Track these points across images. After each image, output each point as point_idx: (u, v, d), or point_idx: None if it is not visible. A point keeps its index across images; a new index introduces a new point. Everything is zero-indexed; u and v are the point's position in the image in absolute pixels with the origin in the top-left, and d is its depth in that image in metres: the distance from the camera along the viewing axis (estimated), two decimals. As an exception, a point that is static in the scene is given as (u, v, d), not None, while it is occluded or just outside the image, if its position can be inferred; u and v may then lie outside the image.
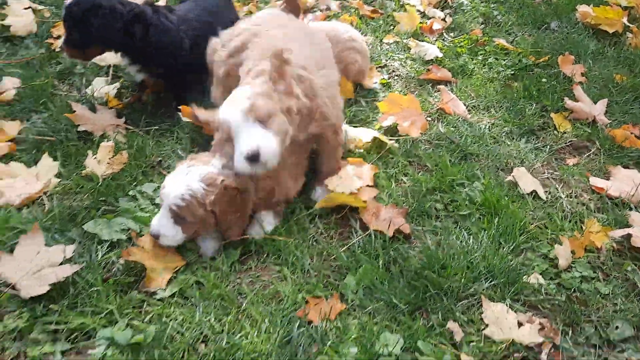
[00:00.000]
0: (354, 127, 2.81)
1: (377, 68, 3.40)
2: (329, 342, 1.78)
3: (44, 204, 2.22)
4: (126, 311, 1.86)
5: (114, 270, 1.99)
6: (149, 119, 2.75)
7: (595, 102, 3.07)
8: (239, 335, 1.80)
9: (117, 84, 2.97)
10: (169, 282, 1.98)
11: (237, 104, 1.96)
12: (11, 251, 1.99)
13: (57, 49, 3.18)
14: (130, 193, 2.30)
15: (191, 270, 2.03)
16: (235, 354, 1.73)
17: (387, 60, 3.50)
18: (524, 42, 3.71)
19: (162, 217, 2.01)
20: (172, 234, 2.01)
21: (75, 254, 2.00)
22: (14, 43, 3.30)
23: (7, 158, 2.44)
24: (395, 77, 3.37)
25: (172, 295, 1.93)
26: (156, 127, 2.71)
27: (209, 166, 2.04)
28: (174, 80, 2.81)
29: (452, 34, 3.85)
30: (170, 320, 1.83)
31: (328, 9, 4.07)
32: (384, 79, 3.30)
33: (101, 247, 2.06)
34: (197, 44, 2.69)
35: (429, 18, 3.99)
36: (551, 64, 3.45)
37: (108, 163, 2.40)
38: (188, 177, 1.98)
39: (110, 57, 2.96)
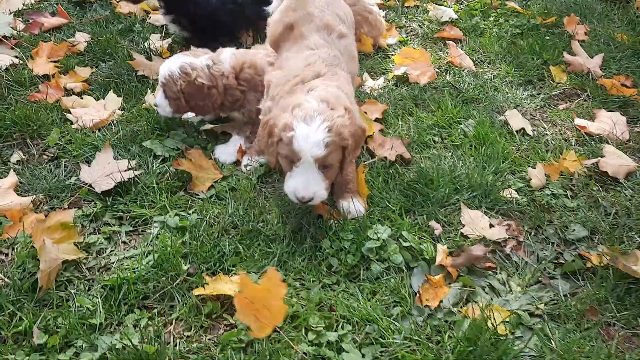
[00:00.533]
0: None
1: (396, 28, 3.79)
2: (331, 232, 2.24)
3: (112, 128, 2.76)
4: (175, 206, 2.37)
5: (166, 176, 2.50)
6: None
7: (592, 57, 3.37)
8: (261, 224, 2.28)
9: (169, 40, 3.49)
10: (209, 188, 2.48)
11: (313, 140, 2.00)
12: (88, 162, 2.54)
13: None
14: (179, 121, 2.81)
15: (227, 181, 2.52)
16: (259, 236, 2.22)
17: (406, 22, 3.89)
18: (535, 5, 4.01)
19: (158, 91, 2.61)
20: (163, 105, 2.61)
21: (136, 165, 2.52)
22: (83, 7, 3.87)
23: (80, 94, 3.00)
24: (413, 36, 3.76)
25: (211, 197, 2.43)
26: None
27: (196, 59, 2.57)
28: (200, 36, 3.22)
29: (468, -1, 4.19)
30: (209, 213, 2.33)
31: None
32: (402, 37, 3.70)
33: (156, 160, 2.58)
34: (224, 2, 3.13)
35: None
36: (557, 24, 3.75)
37: (162, 99, 2.91)
38: (174, 62, 2.54)
39: (162, 19, 3.48)
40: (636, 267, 2.04)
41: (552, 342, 1.85)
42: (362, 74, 3.26)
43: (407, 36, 3.75)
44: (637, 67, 3.38)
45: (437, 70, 3.35)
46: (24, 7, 3.73)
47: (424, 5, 4.06)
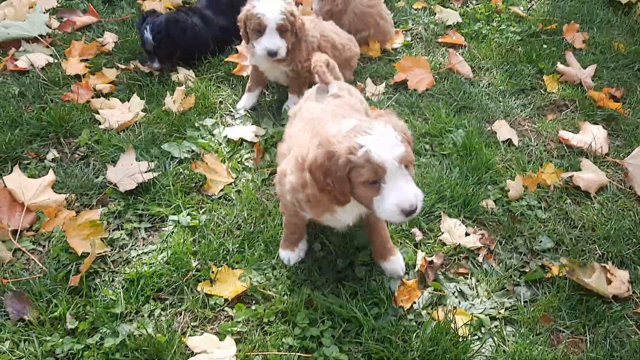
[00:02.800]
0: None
1: (402, 31, 3.99)
2: (324, 236, 2.54)
3: (135, 130, 3.08)
4: (188, 206, 2.70)
5: (181, 177, 2.82)
6: (212, 70, 3.54)
7: (585, 67, 3.55)
8: (263, 224, 2.59)
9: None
10: (220, 191, 2.80)
11: (391, 146, 1.80)
12: (113, 162, 2.87)
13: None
14: (195, 125, 3.11)
15: (235, 183, 2.84)
16: (259, 237, 2.53)
17: (413, 24, 4.08)
18: (539, 10, 4.15)
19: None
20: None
21: (155, 166, 2.85)
22: (113, 4, 4.15)
23: (108, 96, 3.32)
24: (417, 39, 3.96)
25: (220, 198, 2.75)
26: (216, 75, 3.50)
27: None
28: None
29: (475, 1, 4.34)
30: (217, 213, 2.65)
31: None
32: (406, 40, 3.90)
33: (173, 162, 2.90)
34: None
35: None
36: (557, 31, 3.91)
37: (180, 102, 3.21)
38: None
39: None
40: (589, 280, 2.31)
41: (506, 344, 2.15)
42: (364, 79, 3.50)
43: (412, 40, 3.95)
44: (630, 78, 3.54)
45: (436, 76, 3.56)
46: (58, 5, 4.01)
47: (431, 7, 4.24)
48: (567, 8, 4.17)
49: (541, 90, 3.47)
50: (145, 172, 2.78)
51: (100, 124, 3.10)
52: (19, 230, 2.48)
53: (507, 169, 2.93)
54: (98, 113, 3.14)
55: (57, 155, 2.93)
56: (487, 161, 2.90)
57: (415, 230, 2.58)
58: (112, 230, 2.57)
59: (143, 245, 2.53)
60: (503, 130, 3.12)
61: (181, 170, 2.85)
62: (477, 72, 3.64)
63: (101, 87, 3.30)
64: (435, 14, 4.15)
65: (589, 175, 2.82)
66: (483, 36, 3.93)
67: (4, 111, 3.08)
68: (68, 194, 2.68)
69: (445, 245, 2.53)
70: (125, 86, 3.37)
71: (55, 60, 3.50)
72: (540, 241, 2.55)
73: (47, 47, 3.60)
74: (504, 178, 2.86)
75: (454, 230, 2.59)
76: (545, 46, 3.77)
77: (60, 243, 2.44)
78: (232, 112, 3.27)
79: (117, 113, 3.14)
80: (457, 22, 4.04)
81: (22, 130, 2.99)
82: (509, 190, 2.77)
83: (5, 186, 2.58)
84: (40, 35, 3.63)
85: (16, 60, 3.44)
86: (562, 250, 2.53)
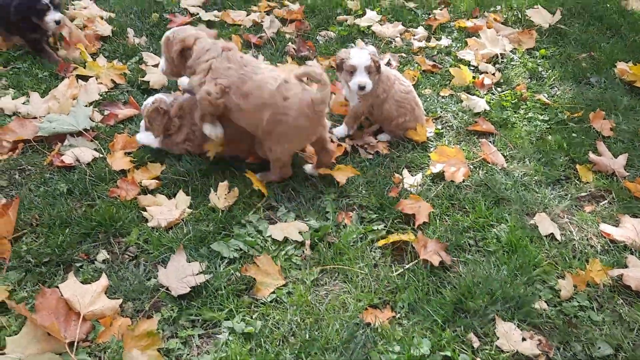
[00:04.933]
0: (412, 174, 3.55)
1: (432, 120, 4.10)
2: (380, 342, 2.53)
3: (183, 228, 3.11)
4: (240, 310, 2.70)
5: (232, 279, 2.83)
6: (254, 166, 3.61)
7: (617, 156, 3.64)
8: (317, 332, 2.59)
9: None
10: (270, 293, 2.81)
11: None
12: (163, 263, 2.89)
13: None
14: (242, 221, 3.15)
15: (285, 284, 2.85)
16: (315, 345, 2.52)
17: (441, 112, 4.21)
18: (563, 97, 4.29)
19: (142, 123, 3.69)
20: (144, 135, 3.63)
21: (206, 268, 2.86)
22: (151, 94, 4.27)
23: (154, 192, 3.37)
24: (447, 128, 4.08)
25: (271, 301, 2.75)
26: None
27: (168, 97, 3.62)
28: None
29: (500, 89, 4.49)
30: (270, 318, 2.65)
31: (389, 63, 4.81)
32: (437, 128, 4.01)
33: (222, 262, 2.92)
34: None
35: (481, 73, 4.64)
36: (584, 119, 4.03)
37: (225, 197, 3.27)
38: (150, 99, 3.58)
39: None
40: (655, 391, 2.29)
41: None
42: (401, 170, 3.57)
43: (443, 128, 4.07)
44: (661, 167, 3.63)
45: (471, 166, 3.64)
46: (100, 98, 4.13)
47: (458, 94, 4.38)
48: (590, 95, 4.31)
49: (576, 180, 3.54)
50: (197, 274, 2.79)
51: (148, 221, 3.14)
52: (75, 342, 2.47)
53: (553, 265, 2.95)
54: (145, 210, 3.18)
55: (108, 256, 2.95)
56: (533, 258, 2.93)
57: (471, 335, 2.58)
58: (167, 339, 2.56)
59: (198, 354, 2.51)
60: (545, 224, 3.17)
61: (232, 271, 2.86)
62: (510, 161, 3.73)
63: (147, 183, 3.35)
64: (462, 101, 4.28)
65: (638, 274, 2.84)
66: (512, 124, 4.04)
67: (53, 210, 3.12)
68: (122, 300, 2.69)
69: (503, 352, 2.52)
70: (171, 182, 3.43)
71: (100, 155, 3.57)
72: (599, 347, 2.55)
73: (92, 140, 3.68)
74: (552, 276, 2.88)
75: (510, 335, 2.58)
76: (574, 134, 3.88)
77: (118, 355, 2.42)
78: (274, 205, 3.32)
79: (164, 210, 3.19)
80: (485, 110, 4.16)
81: (72, 230, 3.02)
82: (560, 290, 2.79)
83: (62, 295, 2.59)
84: (85, 129, 3.72)
85: (62, 155, 3.51)
86: (621, 356, 2.52)
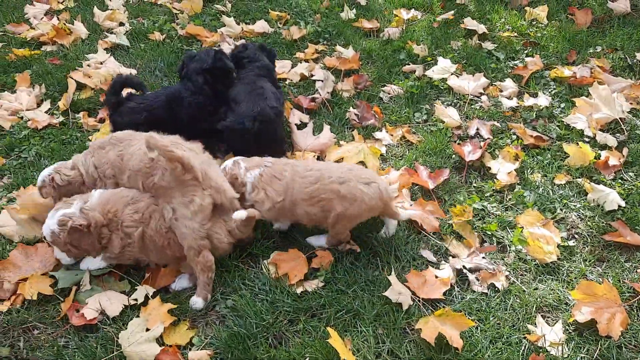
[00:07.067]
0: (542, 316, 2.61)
1: (554, 223, 3.13)
2: None
3: None
4: None
5: None
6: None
7: None
8: None
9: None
10: None
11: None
12: None
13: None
14: None
15: None
16: None
17: (562, 209, 3.24)
18: None
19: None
20: (63, 258, 2.80)
21: None
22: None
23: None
24: (576, 236, 3.11)
25: None
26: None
27: (70, 207, 2.71)
28: None
29: (631, 172, 3.49)
30: None
31: (478, 135, 3.84)
32: (563, 238, 3.05)
33: None
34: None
35: (601, 147, 3.65)
36: None
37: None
38: (51, 220, 2.70)
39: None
40: None
41: None
42: (534, 315, 2.64)
43: (569, 236, 3.10)
44: None
45: (626, 307, 2.69)
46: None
47: (578, 180, 3.41)
48: None
49: None
50: None
51: None
52: None
53: None
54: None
55: None
56: None
57: None
58: None
59: None
60: None
61: None
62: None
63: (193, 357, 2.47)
64: (587, 193, 3.31)
65: None
66: (664, 233, 3.06)
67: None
68: None
69: None
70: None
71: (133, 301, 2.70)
72: None
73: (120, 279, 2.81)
74: None
75: None
76: None
77: None
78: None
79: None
80: (620, 206, 3.19)
81: None
82: None
83: None
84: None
85: (80, 307, 2.64)
86: None
